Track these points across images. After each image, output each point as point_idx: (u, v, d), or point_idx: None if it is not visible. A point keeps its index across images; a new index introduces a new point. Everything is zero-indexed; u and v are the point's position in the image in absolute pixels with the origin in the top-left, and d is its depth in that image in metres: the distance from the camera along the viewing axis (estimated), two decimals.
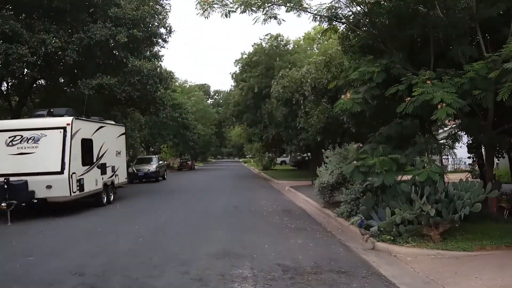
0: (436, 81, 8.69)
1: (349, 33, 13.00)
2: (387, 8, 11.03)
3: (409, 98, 8.91)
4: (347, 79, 10.79)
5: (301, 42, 44.61)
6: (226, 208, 15.99)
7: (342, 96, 10.05)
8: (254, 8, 11.31)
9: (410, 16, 10.71)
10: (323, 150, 17.01)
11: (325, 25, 12.59)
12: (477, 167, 15.59)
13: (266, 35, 41.05)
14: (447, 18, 10.19)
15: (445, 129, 16.03)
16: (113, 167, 18.93)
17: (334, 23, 12.31)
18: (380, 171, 9.27)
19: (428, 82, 8.58)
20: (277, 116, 27.14)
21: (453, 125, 13.74)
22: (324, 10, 11.42)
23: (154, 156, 37.01)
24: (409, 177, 9.92)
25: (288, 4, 11.14)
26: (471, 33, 10.18)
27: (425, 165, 9.15)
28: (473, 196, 8.64)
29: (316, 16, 11.80)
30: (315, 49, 42.84)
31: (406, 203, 9.47)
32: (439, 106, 8.09)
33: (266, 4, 11.39)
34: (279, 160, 57.97)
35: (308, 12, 11.34)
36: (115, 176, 19.24)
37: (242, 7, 11.14)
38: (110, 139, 18.88)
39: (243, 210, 15.40)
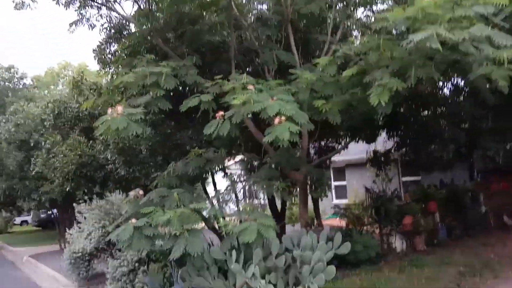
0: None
1: (115, 35, 9.23)
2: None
3: (222, 113, 5.71)
4: (119, 86, 6.83)
5: (43, 77, 37.82)
6: None
7: (108, 113, 5.86)
8: None
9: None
10: (74, 204, 12.56)
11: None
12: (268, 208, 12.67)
13: None
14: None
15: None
16: None
17: (85, 11, 8.35)
18: (180, 232, 5.65)
19: (251, 87, 5.56)
20: (8, 164, 20.40)
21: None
22: None
23: None
24: None
25: None
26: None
27: (247, 214, 5.99)
28: (322, 255, 5.86)
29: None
30: (60, 86, 36.76)
31: (220, 277, 6.13)
32: (276, 121, 5.10)
33: None
34: (18, 220, 47.08)
35: None
36: None
37: None
38: None
39: None
